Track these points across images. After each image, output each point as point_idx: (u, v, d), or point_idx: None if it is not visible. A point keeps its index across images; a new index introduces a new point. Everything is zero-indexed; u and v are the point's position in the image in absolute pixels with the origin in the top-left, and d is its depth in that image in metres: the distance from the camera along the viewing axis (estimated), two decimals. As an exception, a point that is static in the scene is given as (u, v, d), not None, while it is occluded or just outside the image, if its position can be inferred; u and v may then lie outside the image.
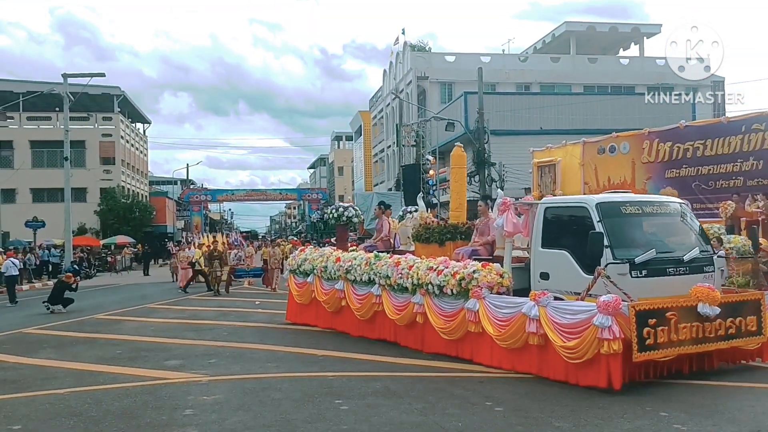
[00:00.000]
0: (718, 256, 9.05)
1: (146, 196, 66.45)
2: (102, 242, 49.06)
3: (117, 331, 14.15)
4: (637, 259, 8.02)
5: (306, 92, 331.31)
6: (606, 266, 7.95)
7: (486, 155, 31.80)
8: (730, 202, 15.04)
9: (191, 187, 74.57)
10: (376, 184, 64.27)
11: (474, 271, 9.15)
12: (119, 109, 57.12)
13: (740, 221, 14.84)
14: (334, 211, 14.85)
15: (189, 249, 28.06)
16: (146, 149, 70.36)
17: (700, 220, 9.76)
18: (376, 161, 66.67)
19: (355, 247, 13.36)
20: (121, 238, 49.50)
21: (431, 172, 37.29)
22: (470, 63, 43.96)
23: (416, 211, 14.39)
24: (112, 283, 32.18)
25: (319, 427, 6.59)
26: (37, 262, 34.49)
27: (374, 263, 11.25)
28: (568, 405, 7.17)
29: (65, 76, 35.09)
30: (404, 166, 41.80)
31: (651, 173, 17.96)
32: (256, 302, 19.28)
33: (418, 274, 10.04)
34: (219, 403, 7.60)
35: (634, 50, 56.90)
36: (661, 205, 9.33)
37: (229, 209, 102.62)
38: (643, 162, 18.21)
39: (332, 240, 33.30)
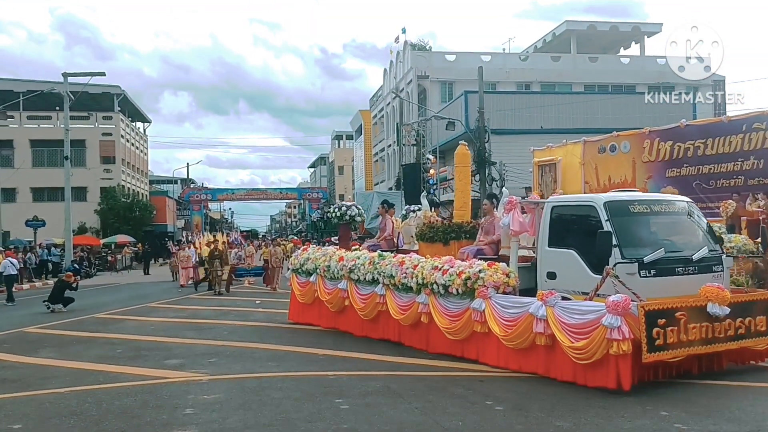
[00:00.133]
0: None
1: (146, 196, 66.43)
2: (102, 241, 49.08)
3: (117, 330, 14.10)
4: (646, 259, 7.92)
5: (306, 91, 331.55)
6: (614, 266, 7.86)
7: (486, 154, 31.69)
8: (730, 201, 15.01)
9: (191, 186, 74.60)
10: (377, 184, 64.22)
11: (480, 271, 9.06)
12: (119, 109, 57.14)
13: (741, 220, 14.81)
14: (337, 210, 14.76)
15: (189, 248, 28.10)
16: (146, 148, 70.34)
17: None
18: (377, 160, 66.60)
19: (358, 246, 13.24)
20: (121, 238, 49.51)
21: (431, 171, 37.20)
22: (471, 62, 43.86)
23: (419, 210, 14.29)
24: (112, 282, 32.16)
25: (319, 426, 6.56)
26: (37, 262, 34.45)
27: (378, 262, 11.15)
28: (569, 404, 7.13)
29: (65, 75, 35.09)
30: (404, 166, 41.73)
31: (652, 172, 17.88)
32: (257, 301, 19.27)
33: (422, 273, 9.95)
34: (219, 402, 7.57)
35: (634, 49, 56.88)
36: (669, 203, 9.22)
37: (230, 208, 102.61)
38: (643, 161, 18.14)
39: (332, 239, 33.26)
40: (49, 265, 35.53)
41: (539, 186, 20.46)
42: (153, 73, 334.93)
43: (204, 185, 78.32)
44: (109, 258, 43.82)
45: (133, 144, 63.11)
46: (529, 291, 9.01)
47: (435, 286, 9.66)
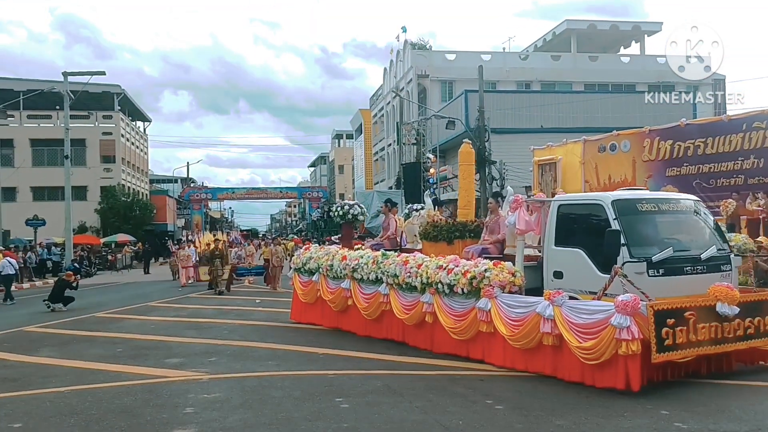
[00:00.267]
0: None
1: (147, 195, 66.36)
2: (102, 241, 49.00)
3: (117, 329, 14.05)
4: (655, 258, 7.83)
5: (306, 91, 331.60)
6: (623, 265, 7.76)
7: (486, 153, 31.61)
8: (730, 200, 14.97)
9: (192, 185, 74.58)
10: (377, 183, 64.17)
11: (485, 270, 8.97)
12: (120, 108, 57.08)
13: (740, 219, 14.79)
14: (339, 209, 14.64)
15: (189, 247, 28.04)
16: (147, 147, 70.27)
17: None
18: (377, 159, 66.55)
19: (361, 245, 13.14)
20: (121, 237, 49.43)
21: (432, 170, 37.14)
22: (471, 61, 43.74)
23: (422, 208, 14.19)
24: (112, 281, 32.13)
25: (319, 425, 6.54)
26: (38, 261, 34.40)
27: (382, 262, 11.05)
28: (569, 403, 7.11)
29: (66, 74, 35.00)
30: (405, 165, 41.67)
31: (652, 171, 17.82)
32: (257, 300, 19.26)
33: (427, 272, 9.85)
34: (219, 402, 7.56)
35: (634, 48, 56.77)
36: (676, 202, 9.13)
37: (230, 207, 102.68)
38: (644, 160, 18.07)
39: (332, 238, 33.19)
40: (49, 264, 35.45)
41: (539, 185, 20.40)
42: (153, 72, 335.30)
43: (204, 184, 78.29)
44: (110, 257, 43.76)
45: (133, 143, 63.03)
46: (535, 290, 8.92)
47: (440, 285, 9.57)
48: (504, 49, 56.52)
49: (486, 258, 9.66)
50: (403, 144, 44.74)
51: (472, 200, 13.59)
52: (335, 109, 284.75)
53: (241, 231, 53.83)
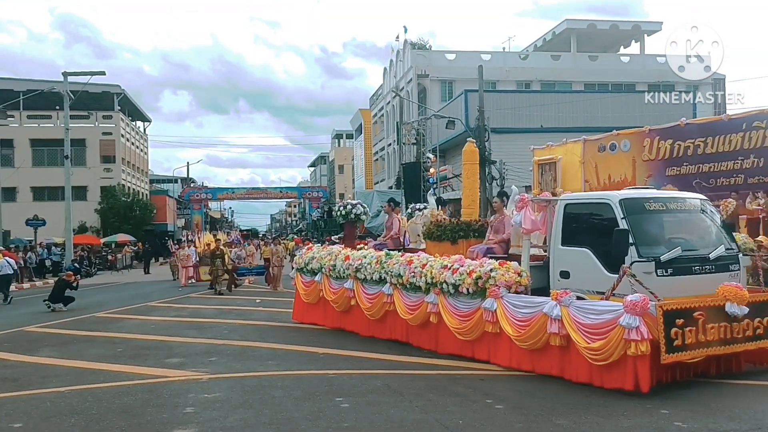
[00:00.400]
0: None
1: (147, 195, 66.30)
2: (102, 241, 48.98)
3: (117, 329, 14.00)
4: (663, 257, 7.74)
5: (306, 90, 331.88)
6: (631, 264, 7.67)
7: (486, 153, 31.56)
8: (730, 200, 14.88)
9: (192, 185, 74.53)
10: (377, 183, 64.11)
11: (491, 270, 8.88)
12: (119, 108, 57.02)
13: (740, 219, 14.70)
14: (342, 208, 14.56)
15: (189, 247, 27.99)
16: (146, 147, 70.20)
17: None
18: (377, 159, 66.50)
19: (364, 245, 13.05)
20: (121, 237, 49.40)
21: (432, 170, 37.09)
22: (471, 61, 43.69)
23: (425, 208, 14.10)
24: (112, 281, 32.11)
25: (319, 424, 6.51)
26: (38, 261, 34.34)
27: (385, 262, 10.95)
28: (569, 403, 7.06)
29: (65, 74, 34.98)
30: (405, 164, 41.63)
31: (652, 171, 17.75)
32: (257, 300, 19.24)
33: (431, 272, 9.76)
34: (219, 401, 7.54)
35: (634, 48, 56.69)
36: (684, 201, 9.03)
37: (230, 207, 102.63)
38: (643, 160, 18.01)
39: (333, 238, 33.11)
40: (49, 264, 35.37)
41: (539, 185, 20.35)
42: (153, 72, 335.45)
43: (204, 184, 78.28)
44: (110, 257, 43.71)
45: (133, 143, 62.96)
46: (541, 290, 8.82)
47: (445, 285, 9.47)
48: (504, 48, 56.47)
49: (491, 258, 9.57)
50: (403, 144, 44.67)
51: (476, 199, 13.50)
52: (335, 109, 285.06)
53: (241, 231, 53.67)
